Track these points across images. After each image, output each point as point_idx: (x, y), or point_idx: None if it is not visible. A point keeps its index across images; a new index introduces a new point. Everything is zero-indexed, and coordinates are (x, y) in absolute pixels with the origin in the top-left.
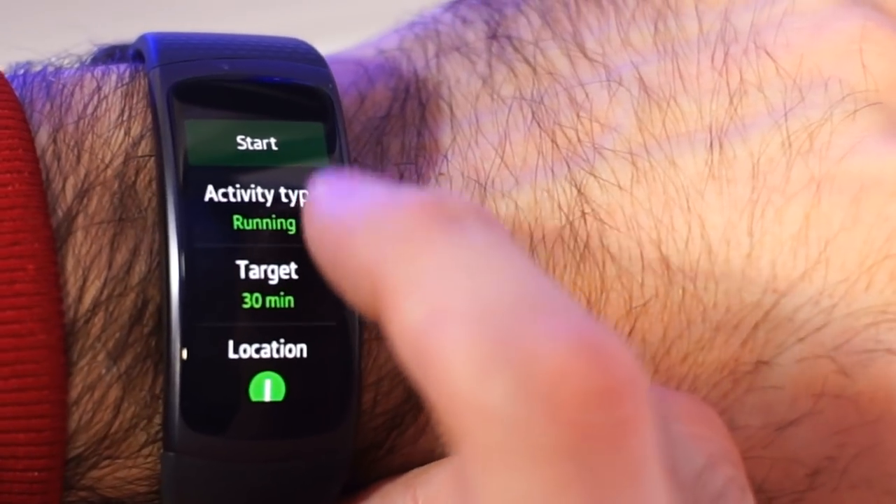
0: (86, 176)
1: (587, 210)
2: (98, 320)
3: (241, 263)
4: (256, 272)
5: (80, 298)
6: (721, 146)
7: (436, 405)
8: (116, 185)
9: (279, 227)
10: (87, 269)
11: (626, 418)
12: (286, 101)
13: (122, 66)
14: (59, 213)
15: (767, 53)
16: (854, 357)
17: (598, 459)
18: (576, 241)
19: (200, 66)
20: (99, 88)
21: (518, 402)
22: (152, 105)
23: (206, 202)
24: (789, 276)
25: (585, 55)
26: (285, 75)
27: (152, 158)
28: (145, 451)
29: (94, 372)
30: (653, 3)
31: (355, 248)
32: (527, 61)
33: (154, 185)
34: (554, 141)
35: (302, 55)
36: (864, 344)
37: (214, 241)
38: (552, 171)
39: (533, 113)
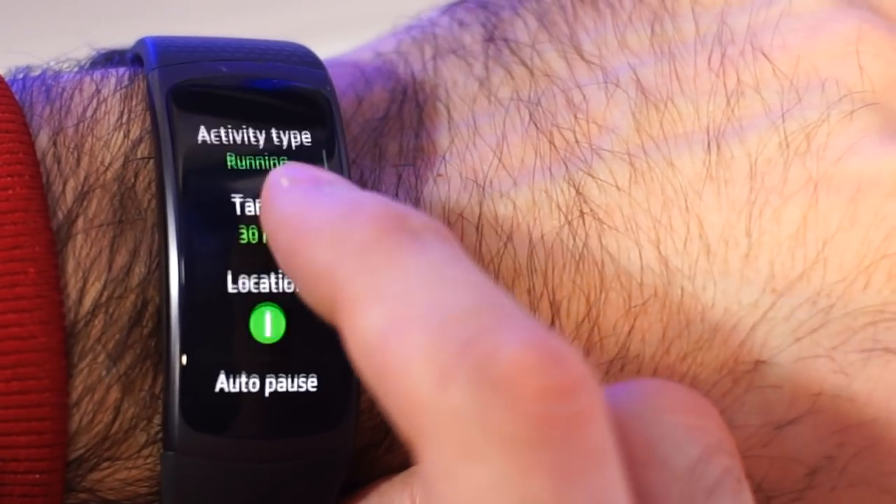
0: (86, 178)
1: (585, 210)
2: (98, 322)
3: (238, 200)
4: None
5: (80, 301)
6: (718, 147)
7: (393, 411)
8: (116, 188)
9: None
10: (88, 271)
11: (580, 410)
12: (285, 102)
13: (121, 70)
14: (60, 216)
15: (764, 55)
16: (852, 356)
17: (558, 446)
18: (574, 240)
19: (199, 67)
20: (98, 91)
21: (479, 398)
22: (151, 107)
23: (206, 203)
24: (787, 276)
25: (582, 57)
26: (283, 77)
27: (152, 160)
28: (145, 451)
29: (94, 373)
30: (649, 6)
31: (315, 252)
32: (524, 63)
33: (153, 187)
34: (551, 142)
35: (300, 58)
36: (862, 343)
37: (214, 243)
38: (550, 172)
39: (530, 114)
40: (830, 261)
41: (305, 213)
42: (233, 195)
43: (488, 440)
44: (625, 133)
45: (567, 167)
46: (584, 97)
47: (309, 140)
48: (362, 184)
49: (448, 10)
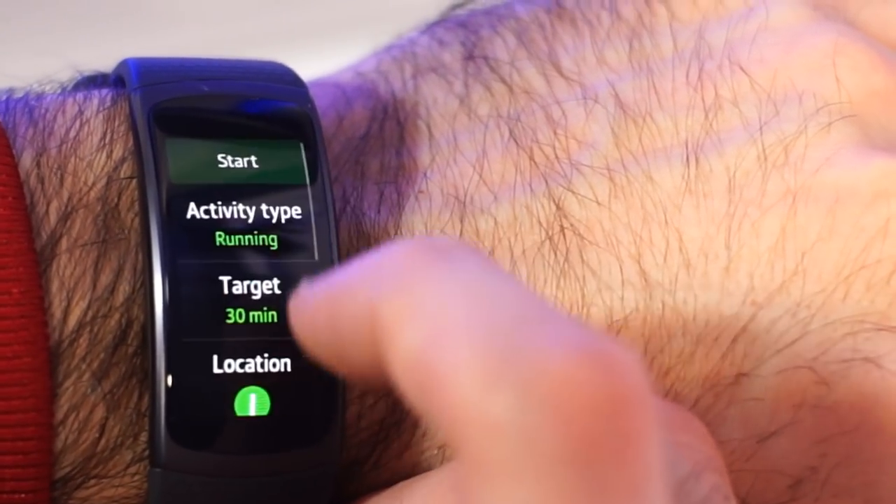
0: (69, 199)
1: (566, 225)
2: (83, 341)
3: (224, 279)
4: (240, 288)
5: (64, 320)
6: (697, 161)
7: (440, 424)
8: (99, 208)
9: (261, 243)
10: (72, 290)
11: (632, 430)
12: (266, 120)
13: (104, 91)
14: (44, 236)
15: (742, 69)
16: (833, 367)
17: (604, 470)
18: (555, 256)
19: (180, 87)
20: (81, 113)
21: (524, 413)
22: (133, 127)
23: (188, 220)
24: (767, 288)
25: (561, 74)
26: (265, 95)
27: (134, 180)
28: (132, 469)
29: (79, 392)
30: (627, 22)
31: (353, 298)
32: (503, 81)
33: (136, 207)
34: (531, 158)
35: (280, 77)
36: (842, 354)
37: (197, 258)
38: (530, 188)
39: (510, 131)
40: (810, 272)
41: (337, 280)
42: (215, 209)
43: (530, 459)
44: (604, 148)
45: (547, 182)
46: (564, 113)
47: (291, 157)
48: (344, 201)
49: (428, 29)
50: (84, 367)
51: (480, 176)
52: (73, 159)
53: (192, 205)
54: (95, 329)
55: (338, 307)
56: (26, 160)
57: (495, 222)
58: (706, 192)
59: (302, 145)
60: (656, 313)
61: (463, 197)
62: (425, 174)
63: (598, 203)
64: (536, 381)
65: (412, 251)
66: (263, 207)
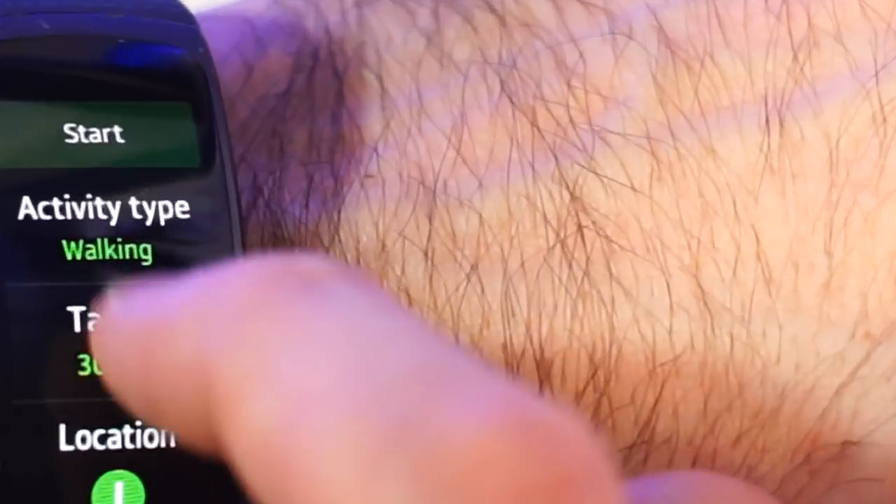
0: None
1: (585, 223)
2: None
3: (77, 311)
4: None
5: None
6: (782, 124)
7: None
8: None
9: (129, 256)
10: None
11: None
12: (136, 73)
13: None
14: None
15: None
16: None
17: None
18: (570, 269)
19: (10, 24)
20: None
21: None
22: None
23: (23, 223)
24: (888, 315)
25: None
26: (134, 37)
27: None
28: None
29: None
30: None
31: (176, 346)
32: (491, 8)
33: None
34: (534, 123)
35: (159, 8)
36: None
37: (36, 279)
38: (532, 168)
39: (502, 83)
40: None
41: (157, 310)
42: (61, 207)
43: None
44: (643, 107)
45: (558, 160)
46: (582, 55)
47: (173, 126)
48: (255, 191)
49: None
50: None
51: (458, 151)
52: None
53: (28, 201)
54: None
55: (153, 348)
56: None
57: (480, 220)
58: (795, 171)
59: (189, 108)
60: (722, 352)
61: (432, 182)
62: (376, 149)
63: (635, 189)
64: (436, 460)
65: (260, 280)
66: (133, 204)
